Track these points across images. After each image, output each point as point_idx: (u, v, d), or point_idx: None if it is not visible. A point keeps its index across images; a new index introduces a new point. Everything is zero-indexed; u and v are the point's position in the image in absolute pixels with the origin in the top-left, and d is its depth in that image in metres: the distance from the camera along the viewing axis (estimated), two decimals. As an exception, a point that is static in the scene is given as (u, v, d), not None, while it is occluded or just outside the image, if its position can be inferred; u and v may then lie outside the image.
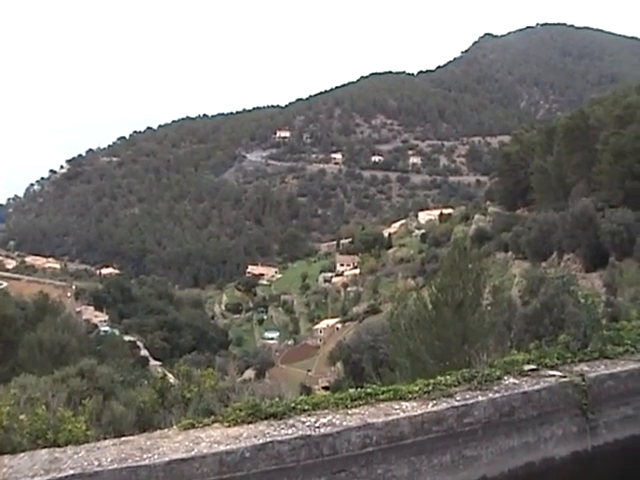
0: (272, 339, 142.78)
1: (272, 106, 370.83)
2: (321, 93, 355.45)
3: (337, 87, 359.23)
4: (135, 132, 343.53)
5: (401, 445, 7.78)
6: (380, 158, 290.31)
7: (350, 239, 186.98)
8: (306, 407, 8.13)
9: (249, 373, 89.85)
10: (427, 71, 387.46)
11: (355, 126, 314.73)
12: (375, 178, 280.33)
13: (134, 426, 11.84)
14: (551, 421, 8.94)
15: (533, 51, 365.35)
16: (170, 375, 18.85)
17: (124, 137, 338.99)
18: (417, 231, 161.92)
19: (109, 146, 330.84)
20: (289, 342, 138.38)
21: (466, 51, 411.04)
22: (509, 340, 15.91)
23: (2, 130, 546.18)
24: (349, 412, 8.04)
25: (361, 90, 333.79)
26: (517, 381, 9.23)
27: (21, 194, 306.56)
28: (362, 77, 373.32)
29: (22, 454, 7.61)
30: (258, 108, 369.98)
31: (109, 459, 7.10)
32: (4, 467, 7.18)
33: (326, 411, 8.08)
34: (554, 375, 9.45)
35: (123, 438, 7.85)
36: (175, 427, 7.99)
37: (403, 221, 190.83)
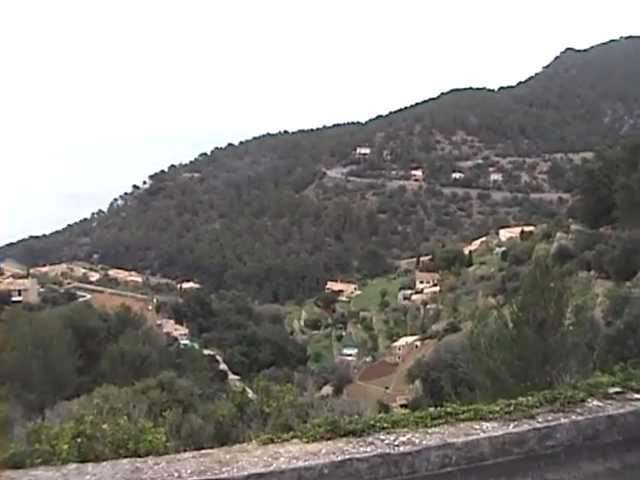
0: (350, 355, 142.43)
1: (352, 123, 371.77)
2: (401, 109, 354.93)
3: (417, 103, 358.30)
4: (216, 148, 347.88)
5: (481, 466, 7.65)
6: (460, 175, 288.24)
7: (430, 256, 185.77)
8: (385, 425, 8.06)
9: (327, 389, 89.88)
10: (508, 87, 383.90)
11: (435, 142, 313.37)
12: (455, 195, 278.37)
13: (212, 439, 11.92)
14: (638, 447, 8.68)
15: (617, 65, 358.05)
16: (248, 390, 18.94)
17: (205, 153, 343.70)
18: (498, 249, 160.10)
19: (191, 162, 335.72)
20: (367, 359, 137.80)
21: (547, 66, 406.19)
22: (592, 361, 15.58)
23: (87, 146, 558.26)
24: (429, 431, 7.95)
25: (441, 106, 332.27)
26: (601, 404, 8.99)
27: (105, 209, 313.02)
28: (442, 93, 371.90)
29: (104, 462, 7.73)
30: (338, 125, 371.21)
31: (189, 471, 7.16)
32: (87, 475, 7.31)
33: (405, 429, 8.00)
34: (640, 399, 9.20)
35: (203, 451, 7.90)
36: (254, 441, 8.01)
37: (484, 238, 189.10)
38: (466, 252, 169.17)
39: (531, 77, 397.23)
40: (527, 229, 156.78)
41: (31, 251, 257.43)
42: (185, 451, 8.45)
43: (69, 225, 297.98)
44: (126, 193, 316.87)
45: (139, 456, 8.09)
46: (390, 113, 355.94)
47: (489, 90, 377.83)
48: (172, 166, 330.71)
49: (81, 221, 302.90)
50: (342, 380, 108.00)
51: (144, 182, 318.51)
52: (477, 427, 8.07)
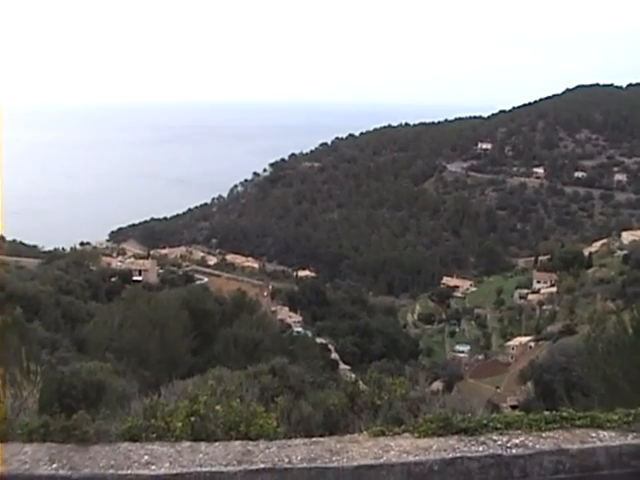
0: (462, 352, 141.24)
1: (474, 117, 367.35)
2: (525, 105, 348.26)
3: (541, 99, 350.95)
4: (337, 138, 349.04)
5: (595, 476, 7.43)
6: (583, 174, 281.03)
7: (548, 256, 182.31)
8: (498, 425, 7.93)
9: (437, 385, 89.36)
10: (637, 84, 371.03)
11: (558, 140, 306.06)
12: (577, 194, 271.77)
13: (321, 427, 11.97)
14: None
15: None
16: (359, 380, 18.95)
17: (326, 143, 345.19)
18: (619, 251, 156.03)
19: (311, 151, 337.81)
20: (479, 357, 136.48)
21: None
22: None
23: (209, 133, 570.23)
24: (542, 435, 7.77)
25: (566, 103, 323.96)
26: None
27: (225, 194, 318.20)
28: (567, 89, 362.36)
29: (217, 443, 7.90)
30: (460, 119, 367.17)
31: (299, 457, 7.23)
32: (200, 453, 7.50)
33: (518, 431, 7.84)
34: None
35: (313, 438, 7.97)
36: (365, 433, 8.03)
37: (605, 240, 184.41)
38: (586, 253, 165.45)
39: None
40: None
41: (152, 233, 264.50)
42: (295, 437, 8.53)
43: (189, 209, 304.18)
44: (246, 180, 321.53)
45: (250, 439, 8.22)
46: (513, 108, 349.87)
47: (616, 87, 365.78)
48: (292, 155, 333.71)
49: (201, 206, 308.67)
50: (453, 376, 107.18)
51: (264, 170, 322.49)
52: (593, 435, 7.84)
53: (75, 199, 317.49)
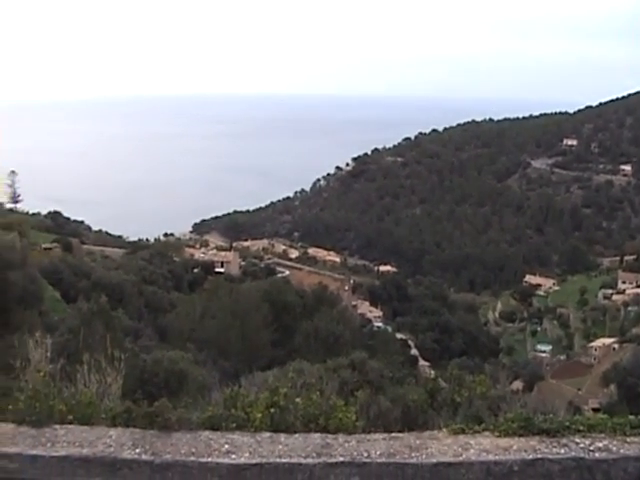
0: (544, 352, 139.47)
1: (560, 113, 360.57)
2: (612, 100, 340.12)
3: (630, 94, 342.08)
4: (420, 134, 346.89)
5: (684, 485, 7.22)
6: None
7: (635, 256, 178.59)
8: (581, 428, 7.74)
9: (517, 384, 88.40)
10: None
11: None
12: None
13: (400, 423, 11.94)
14: None
15: None
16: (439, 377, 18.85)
17: (409, 138, 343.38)
18: None
19: (394, 146, 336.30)
20: (561, 357, 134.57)
21: None
22: None
23: (292, 128, 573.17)
24: (627, 440, 7.55)
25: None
26: None
27: (308, 188, 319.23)
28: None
29: (296, 435, 7.96)
30: (545, 114, 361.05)
31: (378, 452, 7.23)
32: (280, 444, 7.56)
33: (602, 435, 7.64)
34: None
35: (392, 434, 7.95)
36: (444, 430, 7.97)
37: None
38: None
39: None
40: None
41: (235, 225, 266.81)
42: (374, 432, 8.53)
43: (272, 202, 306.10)
44: (329, 174, 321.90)
45: (329, 432, 8.24)
46: (600, 104, 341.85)
47: None
48: (375, 149, 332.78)
49: (284, 199, 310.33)
50: (533, 376, 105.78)
51: (347, 164, 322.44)
52: (681, 441, 7.60)
53: (159, 191, 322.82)
